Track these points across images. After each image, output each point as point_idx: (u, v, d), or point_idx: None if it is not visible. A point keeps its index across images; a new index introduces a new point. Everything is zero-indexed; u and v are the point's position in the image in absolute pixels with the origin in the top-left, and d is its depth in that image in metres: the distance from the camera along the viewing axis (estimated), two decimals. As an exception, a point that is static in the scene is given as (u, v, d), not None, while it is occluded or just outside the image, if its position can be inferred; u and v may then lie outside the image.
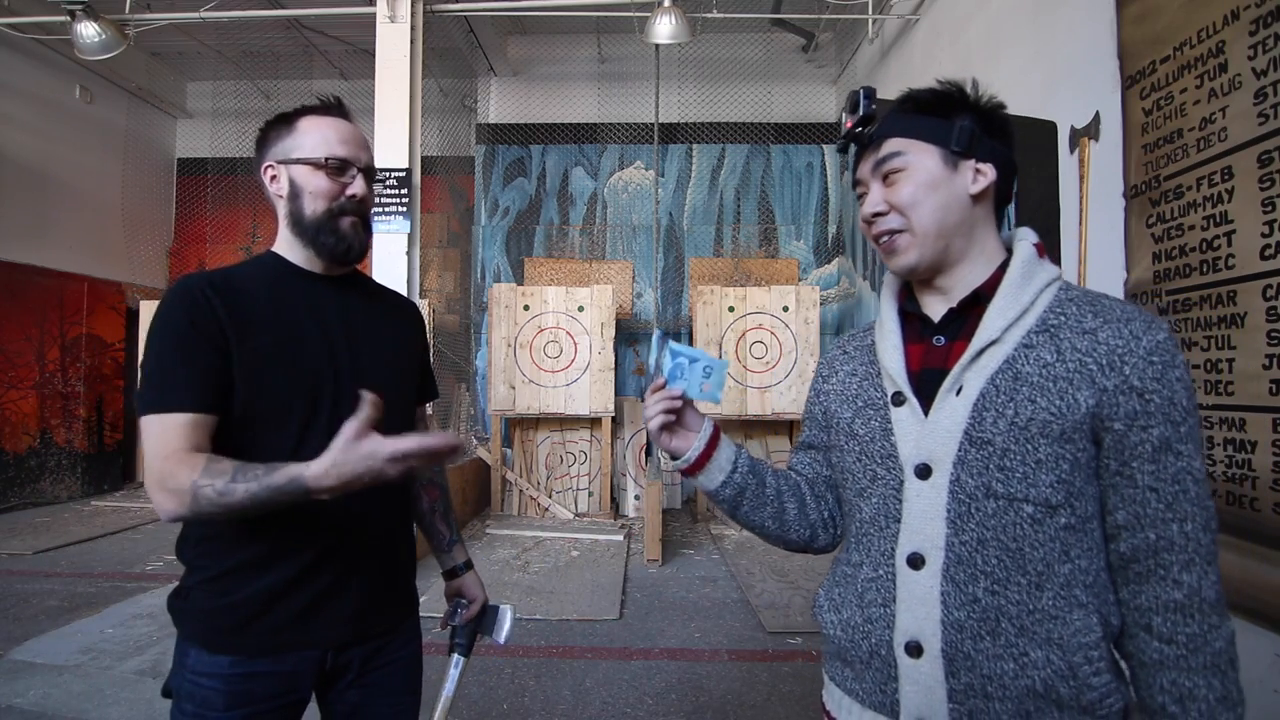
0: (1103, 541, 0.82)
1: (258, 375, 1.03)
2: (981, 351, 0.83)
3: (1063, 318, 0.82)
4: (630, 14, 5.32)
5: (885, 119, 0.90)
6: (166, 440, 0.96)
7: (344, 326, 1.14)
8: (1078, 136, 3.16)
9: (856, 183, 0.94)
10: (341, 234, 1.13)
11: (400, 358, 1.25)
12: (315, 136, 1.12)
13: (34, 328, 6.49)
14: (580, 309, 6.02)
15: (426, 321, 5.66)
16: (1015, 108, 3.66)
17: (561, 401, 5.94)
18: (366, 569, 1.13)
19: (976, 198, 0.87)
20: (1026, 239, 0.88)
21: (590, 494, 6.12)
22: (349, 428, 0.88)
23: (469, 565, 1.44)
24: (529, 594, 4.01)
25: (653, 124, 6.62)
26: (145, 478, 0.98)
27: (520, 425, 6.19)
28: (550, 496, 6.04)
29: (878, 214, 0.89)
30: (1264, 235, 2.20)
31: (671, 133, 6.96)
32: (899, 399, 0.88)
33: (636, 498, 6.24)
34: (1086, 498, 0.80)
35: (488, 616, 1.40)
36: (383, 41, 4.61)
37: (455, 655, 1.34)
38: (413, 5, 4.61)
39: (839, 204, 7.05)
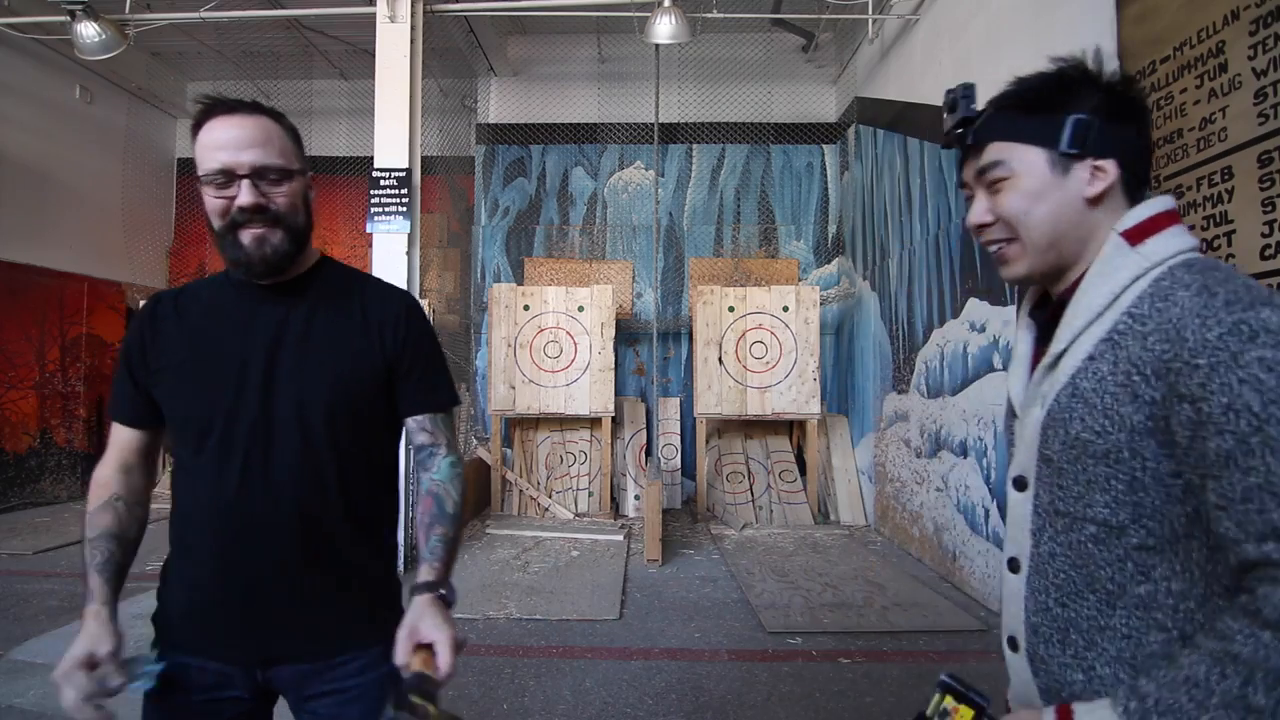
0: (1207, 563, 0.73)
1: (168, 394, 1.11)
2: (1054, 363, 0.81)
3: (1132, 319, 0.74)
4: (630, 14, 5.32)
5: (987, 119, 0.85)
6: (110, 445, 1.16)
7: (268, 341, 1.09)
8: (1078, 136, 3.16)
9: (962, 184, 0.90)
10: (241, 247, 1.05)
11: (350, 369, 1.12)
12: (199, 149, 1.05)
13: (34, 328, 6.49)
14: (580, 309, 6.03)
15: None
16: (1015, 108, 3.53)
17: (561, 401, 5.94)
18: (278, 587, 1.07)
19: (1095, 200, 0.80)
20: (1116, 228, 0.79)
21: (590, 494, 6.12)
22: (82, 657, 0.99)
23: (426, 588, 1.08)
24: (529, 594, 4.01)
25: (653, 124, 6.62)
26: None
27: (520, 425, 6.20)
28: (550, 496, 6.04)
29: (984, 224, 0.86)
30: (1264, 235, 2.20)
31: (671, 133, 6.95)
32: (1014, 413, 0.89)
33: (636, 498, 6.23)
34: (1169, 517, 0.73)
35: (402, 680, 0.94)
36: (383, 41, 4.60)
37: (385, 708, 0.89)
38: (413, 5, 4.60)
39: (839, 204, 7.05)
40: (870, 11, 5.31)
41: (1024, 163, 0.81)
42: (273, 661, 1.10)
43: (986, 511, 3.91)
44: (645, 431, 6.67)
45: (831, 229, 7.12)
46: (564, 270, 7.12)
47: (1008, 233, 0.84)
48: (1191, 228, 2.49)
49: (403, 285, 4.51)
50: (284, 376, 1.08)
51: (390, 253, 4.55)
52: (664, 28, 5.18)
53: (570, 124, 7.17)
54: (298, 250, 1.10)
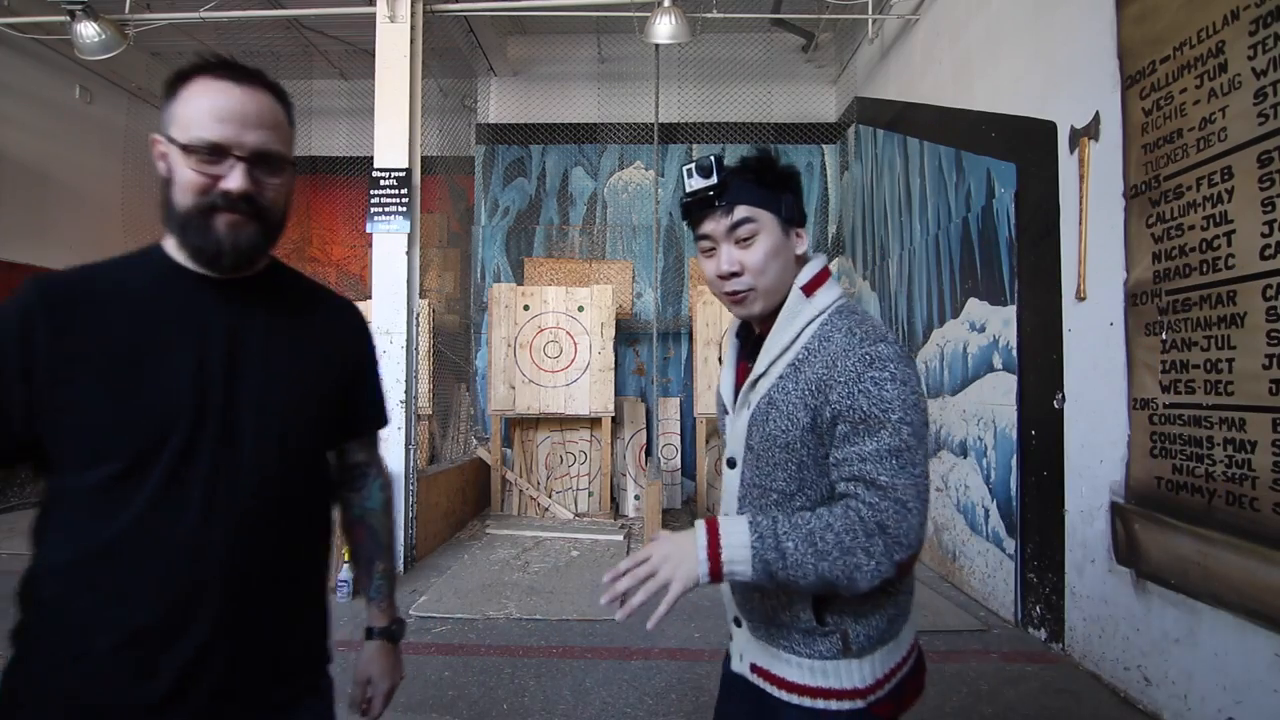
0: None
1: (86, 401, 0.86)
2: (756, 381, 1.09)
3: (807, 352, 1.05)
4: (630, 14, 5.32)
5: (734, 185, 1.07)
6: None
7: (227, 347, 0.92)
8: (1078, 136, 3.16)
9: (704, 237, 1.11)
10: (213, 235, 0.89)
11: (312, 388, 1.01)
12: (190, 108, 0.89)
13: (34, 328, 6.48)
14: (580, 309, 6.02)
15: (425, 322, 5.72)
16: (1015, 108, 3.67)
17: (561, 401, 5.94)
18: (243, 636, 0.93)
19: (799, 259, 1.11)
20: (796, 283, 1.09)
21: (590, 494, 6.12)
22: None
23: (382, 633, 1.17)
24: (529, 594, 4.01)
25: (653, 124, 6.62)
26: None
27: (520, 425, 6.19)
28: (550, 496, 6.04)
29: (733, 274, 1.08)
30: (1264, 235, 2.20)
31: (671, 133, 6.95)
32: (726, 410, 1.18)
33: (636, 498, 6.24)
34: (820, 487, 1.05)
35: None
36: (383, 41, 4.59)
37: None
38: (413, 5, 4.59)
39: (839, 204, 7.05)
40: (870, 11, 5.31)
41: (766, 224, 1.07)
42: None
43: (986, 511, 3.91)
44: (645, 431, 6.67)
45: (831, 229, 7.12)
46: (564, 270, 7.12)
47: (750, 283, 1.08)
48: (1192, 227, 2.49)
49: (403, 286, 4.52)
50: (248, 394, 0.93)
51: (390, 253, 4.55)
52: (664, 28, 5.18)
53: (570, 124, 7.17)
54: (269, 247, 0.97)
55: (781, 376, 1.06)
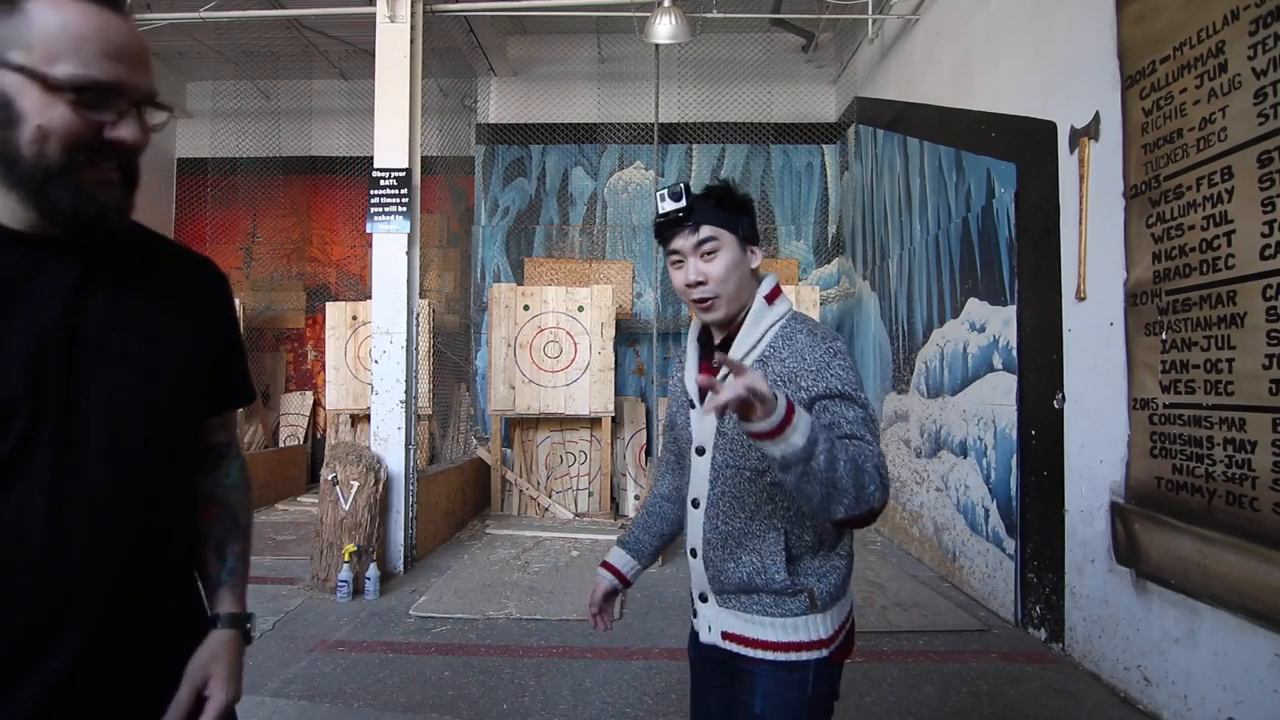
0: None
1: None
2: (726, 376, 1.17)
3: (772, 349, 1.23)
4: (630, 14, 5.32)
5: (700, 208, 1.23)
6: None
7: (62, 318, 0.76)
8: (1078, 136, 3.16)
9: (674, 252, 1.27)
10: (85, 194, 0.73)
11: (176, 362, 0.86)
12: (56, 30, 0.69)
13: (34, 328, 6.47)
14: (580, 309, 6.02)
15: (425, 322, 5.72)
16: (1015, 108, 3.67)
17: (561, 401, 5.94)
18: (100, 663, 0.79)
19: (753, 272, 1.29)
20: (759, 293, 1.28)
21: (590, 494, 6.12)
22: None
23: (229, 621, 0.94)
24: (529, 594, 4.01)
25: (653, 124, 6.62)
26: None
27: (520, 425, 6.20)
28: (550, 496, 6.04)
29: (699, 283, 1.24)
30: (1264, 235, 2.20)
31: (671, 133, 6.95)
32: (692, 404, 1.33)
33: (636, 498, 6.24)
34: None
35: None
36: (383, 41, 4.59)
37: None
38: (413, 5, 4.59)
39: (839, 204, 7.05)
40: (870, 11, 5.31)
41: (727, 242, 1.24)
42: None
43: (986, 511, 3.91)
44: (645, 431, 6.67)
45: (831, 229, 7.12)
46: (564, 270, 7.12)
47: (714, 291, 1.24)
48: (1192, 227, 2.49)
49: (403, 286, 4.51)
50: (98, 373, 0.78)
51: (390, 253, 4.55)
52: (664, 28, 5.18)
53: (570, 124, 7.17)
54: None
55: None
